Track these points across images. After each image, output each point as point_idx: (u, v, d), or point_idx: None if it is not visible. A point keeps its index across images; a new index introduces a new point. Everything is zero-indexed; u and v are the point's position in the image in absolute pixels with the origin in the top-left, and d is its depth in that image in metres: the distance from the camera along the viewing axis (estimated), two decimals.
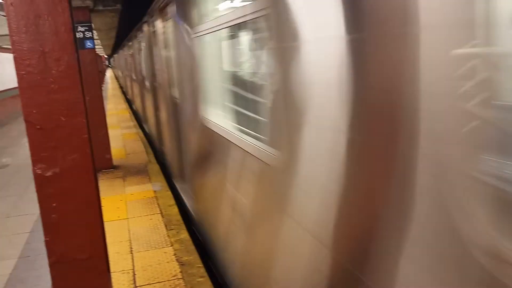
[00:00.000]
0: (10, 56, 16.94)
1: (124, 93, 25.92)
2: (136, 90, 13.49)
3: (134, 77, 13.91)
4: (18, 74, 2.05)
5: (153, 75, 7.78)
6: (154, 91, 7.95)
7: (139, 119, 13.63)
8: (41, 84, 2.07)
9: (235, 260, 3.24)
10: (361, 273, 1.48)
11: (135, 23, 10.22)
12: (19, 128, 14.12)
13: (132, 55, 13.85)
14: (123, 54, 20.96)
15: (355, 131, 1.46)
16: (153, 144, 9.41)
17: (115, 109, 17.86)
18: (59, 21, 2.03)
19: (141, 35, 9.29)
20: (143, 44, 8.95)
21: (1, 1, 7.80)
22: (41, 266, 4.36)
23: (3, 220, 5.91)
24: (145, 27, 8.08)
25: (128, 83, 19.51)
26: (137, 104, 13.71)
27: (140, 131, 12.07)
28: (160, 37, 6.30)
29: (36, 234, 5.29)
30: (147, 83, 8.94)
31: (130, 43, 13.89)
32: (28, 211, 6.11)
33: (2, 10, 8.27)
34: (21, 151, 10.44)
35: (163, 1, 5.43)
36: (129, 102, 19.56)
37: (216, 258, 3.90)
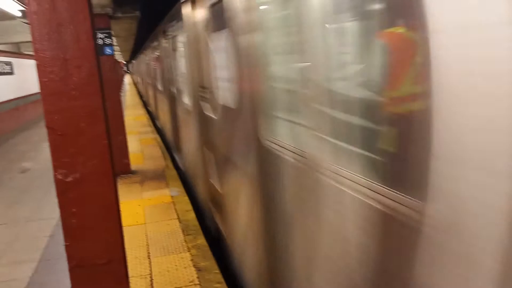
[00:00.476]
0: (30, 62, 17.28)
1: (144, 103, 23.49)
2: (164, 103, 9.97)
3: (161, 87, 10.50)
4: (40, 81, 2.08)
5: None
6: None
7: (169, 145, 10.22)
8: (62, 91, 2.10)
9: None
10: None
11: (153, 29, 10.32)
12: (40, 133, 14.36)
13: (158, 60, 10.54)
14: (146, 59, 17.18)
15: None
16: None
17: (133, 115, 18.04)
18: (81, 29, 2.06)
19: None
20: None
21: (25, 9, 7.97)
22: (61, 270, 4.41)
23: (23, 224, 6.00)
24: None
25: (151, 93, 15.82)
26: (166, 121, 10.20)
27: (157, 136, 12.16)
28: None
29: (56, 238, 5.36)
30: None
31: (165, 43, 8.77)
32: (48, 216, 6.20)
33: (25, 17, 8.44)
34: (41, 156, 10.60)
35: None
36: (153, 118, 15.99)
37: None
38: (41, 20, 2.03)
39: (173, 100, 7.95)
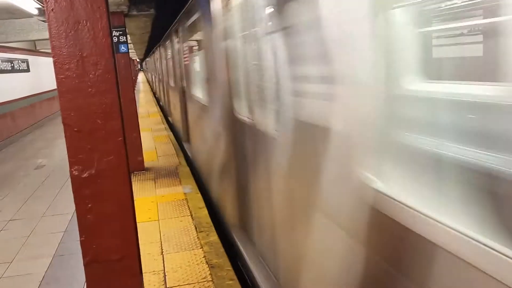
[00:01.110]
0: (46, 60, 17.48)
1: (158, 100, 23.29)
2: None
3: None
4: (57, 78, 2.11)
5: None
6: None
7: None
8: (79, 88, 2.12)
9: None
10: None
11: (168, 27, 10.35)
12: (54, 130, 14.53)
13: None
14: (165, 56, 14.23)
15: None
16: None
17: (146, 112, 18.15)
18: (97, 27, 2.08)
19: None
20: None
21: (42, 7, 8.05)
22: (75, 266, 4.47)
23: (39, 219, 6.08)
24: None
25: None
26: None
27: (171, 133, 12.22)
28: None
29: (71, 233, 5.42)
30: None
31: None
32: (62, 211, 6.27)
33: (41, 15, 8.53)
34: (56, 152, 10.73)
35: None
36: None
37: None
38: (58, 17, 2.05)
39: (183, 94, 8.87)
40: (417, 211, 1.42)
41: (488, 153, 1.29)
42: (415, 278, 1.51)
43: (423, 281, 1.46)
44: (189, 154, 8.73)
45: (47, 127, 15.88)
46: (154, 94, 27.80)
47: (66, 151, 2.19)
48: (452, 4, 1.79)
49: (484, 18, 1.80)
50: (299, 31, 2.30)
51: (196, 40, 6.93)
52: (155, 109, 19.70)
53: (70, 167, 2.23)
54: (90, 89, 2.13)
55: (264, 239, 3.48)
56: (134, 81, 25.45)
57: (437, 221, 1.34)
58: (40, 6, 8.20)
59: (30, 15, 9.53)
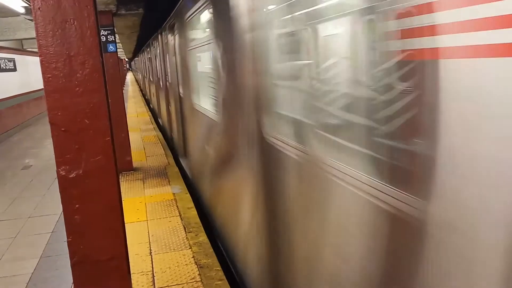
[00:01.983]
0: (33, 59, 17.29)
1: (147, 101, 22.93)
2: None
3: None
4: (44, 77, 2.09)
5: None
6: None
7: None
8: (66, 87, 2.10)
9: None
10: None
11: (157, 27, 10.30)
12: (42, 130, 14.39)
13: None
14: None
15: None
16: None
17: (135, 112, 18.05)
18: (85, 26, 2.06)
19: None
20: None
21: (28, 6, 7.97)
22: (63, 266, 4.43)
23: (25, 220, 6.01)
24: None
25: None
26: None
27: (159, 133, 12.17)
28: None
29: (58, 234, 5.37)
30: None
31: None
32: (50, 212, 6.21)
33: (28, 14, 8.45)
34: (44, 152, 10.63)
35: None
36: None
37: None
38: (45, 16, 2.03)
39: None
40: None
41: None
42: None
43: None
44: (188, 173, 7.23)
45: (34, 127, 15.71)
46: (144, 95, 27.64)
47: (53, 151, 2.17)
48: None
49: None
50: None
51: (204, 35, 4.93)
52: (144, 109, 19.60)
53: (57, 167, 2.20)
54: (77, 89, 2.12)
55: None
56: (122, 81, 25.25)
57: None
58: (27, 5, 8.12)
59: (17, 14, 9.43)
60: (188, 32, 5.72)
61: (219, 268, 4.11)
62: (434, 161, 1.29)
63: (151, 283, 3.92)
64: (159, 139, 11.25)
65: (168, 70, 8.57)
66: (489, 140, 1.09)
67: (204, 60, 5.45)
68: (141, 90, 32.77)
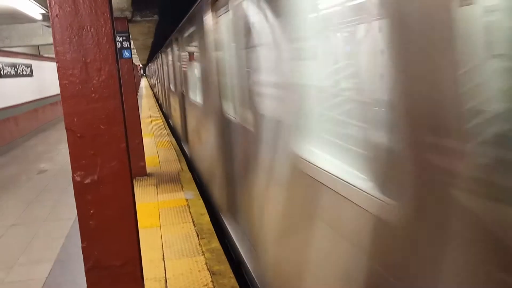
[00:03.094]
0: (50, 65, 17.53)
1: (160, 106, 22.92)
2: None
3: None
4: (60, 84, 2.10)
5: None
6: None
7: None
8: (82, 93, 2.12)
9: None
10: None
11: (171, 32, 10.38)
12: (57, 135, 14.56)
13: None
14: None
15: None
16: None
17: (148, 117, 18.17)
18: (101, 32, 2.08)
19: None
20: None
21: (46, 12, 8.09)
22: (77, 271, 4.45)
23: (40, 224, 6.07)
24: None
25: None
26: None
27: (173, 139, 12.23)
28: None
29: (72, 239, 5.41)
30: None
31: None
32: (64, 216, 6.26)
33: (46, 20, 8.57)
34: (58, 157, 10.74)
35: None
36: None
37: None
38: (62, 23, 2.05)
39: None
40: None
41: None
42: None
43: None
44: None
45: (50, 132, 15.90)
46: (157, 100, 27.88)
47: (68, 156, 2.19)
48: None
49: None
50: None
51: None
52: (157, 114, 19.73)
53: (73, 173, 2.22)
54: (93, 95, 2.13)
55: None
56: (137, 87, 25.40)
57: None
58: (44, 12, 8.24)
59: (34, 20, 9.58)
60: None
61: (232, 275, 4.10)
62: None
63: None
64: (172, 144, 11.30)
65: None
66: None
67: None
68: (154, 95, 33.02)
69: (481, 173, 1.20)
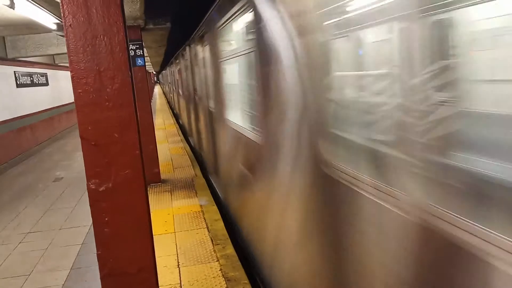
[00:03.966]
0: (65, 74, 17.75)
1: (175, 114, 22.26)
2: None
3: None
4: (75, 93, 2.13)
5: None
6: None
7: None
8: (96, 102, 2.14)
9: None
10: None
11: (185, 40, 10.45)
12: (73, 143, 14.71)
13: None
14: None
15: None
16: None
17: (162, 124, 18.28)
18: (114, 41, 2.10)
19: None
20: None
21: (60, 22, 8.19)
22: (92, 278, 4.48)
23: (56, 231, 6.13)
24: None
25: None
26: None
27: (186, 145, 12.28)
28: None
29: (88, 246, 5.45)
30: None
31: None
32: (80, 223, 6.31)
33: (60, 30, 8.68)
34: (74, 165, 10.85)
35: None
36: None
37: None
38: (76, 32, 2.07)
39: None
40: None
41: None
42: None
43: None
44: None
45: (65, 140, 16.08)
46: (170, 106, 28.08)
47: (83, 164, 2.21)
48: None
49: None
50: None
51: None
52: (171, 121, 19.84)
53: (88, 181, 2.24)
54: (107, 103, 2.15)
55: None
56: (150, 94, 25.58)
57: None
58: (58, 22, 8.35)
59: (49, 30, 9.71)
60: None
61: (247, 281, 4.08)
62: None
63: None
64: (186, 151, 11.34)
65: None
66: None
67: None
68: (168, 102, 33.23)
69: None
